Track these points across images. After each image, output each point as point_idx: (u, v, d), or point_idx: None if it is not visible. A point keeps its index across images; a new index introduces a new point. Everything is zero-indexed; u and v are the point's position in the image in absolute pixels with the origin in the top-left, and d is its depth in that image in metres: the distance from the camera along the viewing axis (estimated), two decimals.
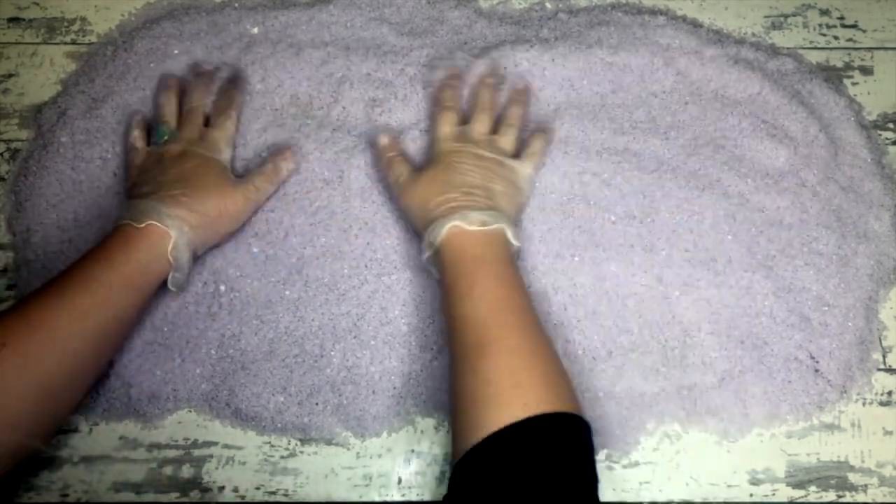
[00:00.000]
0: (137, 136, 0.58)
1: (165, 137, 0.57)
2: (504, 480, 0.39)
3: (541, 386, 0.43)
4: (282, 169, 0.58)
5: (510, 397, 0.42)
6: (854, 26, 0.68)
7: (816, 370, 0.54)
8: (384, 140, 0.58)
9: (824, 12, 0.68)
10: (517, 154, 0.57)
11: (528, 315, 0.48)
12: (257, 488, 0.51)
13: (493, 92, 0.60)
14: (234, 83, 0.61)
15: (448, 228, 0.50)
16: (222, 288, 0.55)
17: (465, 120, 0.59)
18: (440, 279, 0.50)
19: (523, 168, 0.56)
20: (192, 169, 0.54)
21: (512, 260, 0.51)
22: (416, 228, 0.55)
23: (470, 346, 0.46)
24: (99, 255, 0.49)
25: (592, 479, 0.41)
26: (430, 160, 0.56)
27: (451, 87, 0.60)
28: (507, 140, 0.58)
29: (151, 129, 0.59)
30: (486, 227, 0.50)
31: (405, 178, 0.55)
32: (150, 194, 0.52)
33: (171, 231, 0.50)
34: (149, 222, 0.50)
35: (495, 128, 0.58)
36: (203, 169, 0.55)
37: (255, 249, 0.57)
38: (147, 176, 0.54)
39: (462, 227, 0.50)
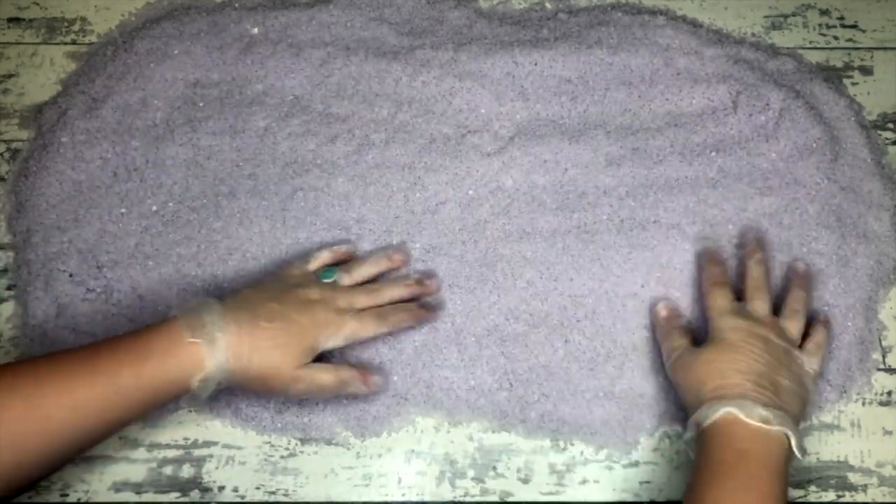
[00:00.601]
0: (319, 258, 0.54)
1: (332, 279, 0.52)
2: None
3: None
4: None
5: None
6: (854, 26, 0.68)
7: None
8: (663, 312, 0.54)
9: (824, 12, 0.68)
10: (801, 345, 0.52)
11: None
12: (257, 488, 0.51)
13: (766, 268, 0.54)
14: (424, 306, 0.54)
15: (722, 414, 0.45)
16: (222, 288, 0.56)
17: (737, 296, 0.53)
18: (695, 462, 0.46)
19: (810, 363, 0.50)
20: (297, 320, 0.48)
21: (781, 470, 0.44)
22: (684, 405, 0.50)
23: None
24: (127, 356, 0.43)
25: None
26: (710, 338, 0.50)
27: (720, 263, 0.55)
28: (794, 326, 0.51)
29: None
30: (765, 426, 0.44)
31: (683, 351, 0.50)
32: (235, 308, 0.46)
33: (206, 361, 0.44)
34: (197, 340, 0.44)
35: (775, 310, 0.53)
36: (308, 331, 0.48)
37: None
38: (261, 288, 0.49)
39: (738, 417, 0.44)
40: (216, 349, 0.44)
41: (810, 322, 0.53)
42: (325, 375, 0.48)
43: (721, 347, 0.49)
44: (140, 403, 0.44)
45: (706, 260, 0.55)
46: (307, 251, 0.55)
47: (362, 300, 0.52)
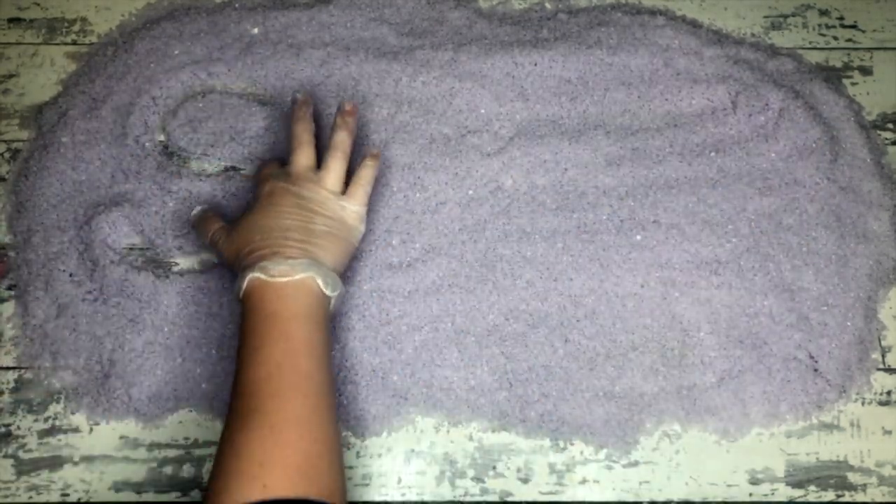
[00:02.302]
0: None
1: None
2: None
3: (290, 467, 0.40)
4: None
5: (252, 476, 0.40)
6: (853, 26, 0.68)
7: (815, 370, 0.54)
8: (196, 212, 0.56)
9: (824, 13, 0.68)
10: (345, 188, 0.53)
11: (310, 381, 0.44)
12: None
13: (311, 120, 0.55)
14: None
15: (248, 280, 0.46)
16: (223, 287, 0.56)
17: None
18: (239, 330, 0.47)
19: (351, 205, 0.52)
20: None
21: (314, 314, 0.47)
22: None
23: (236, 415, 0.43)
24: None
25: None
26: (247, 205, 0.52)
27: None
28: (333, 175, 0.52)
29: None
30: (288, 278, 0.46)
31: (218, 234, 0.52)
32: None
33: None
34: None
35: (319, 159, 0.54)
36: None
37: None
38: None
39: (262, 279, 0.46)
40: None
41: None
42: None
43: (253, 212, 0.51)
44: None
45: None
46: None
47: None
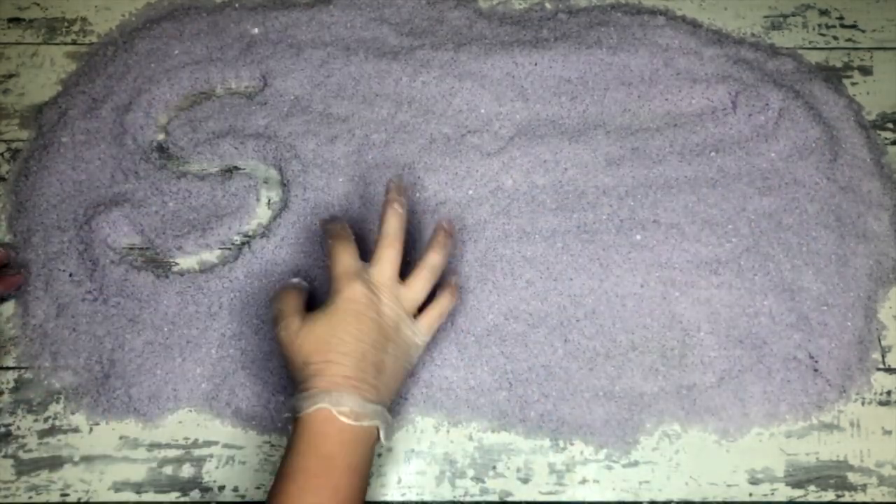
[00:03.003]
0: None
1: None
2: None
3: None
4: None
5: None
6: (853, 26, 0.68)
7: (815, 370, 0.54)
8: (284, 284, 0.51)
9: (824, 12, 0.68)
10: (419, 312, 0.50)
11: None
12: (257, 488, 0.51)
13: (405, 217, 0.50)
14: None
15: (316, 409, 0.43)
16: (222, 287, 0.56)
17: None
18: (285, 452, 0.44)
19: (418, 338, 0.49)
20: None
21: (365, 468, 0.45)
22: (289, 373, 0.48)
23: None
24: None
25: None
26: (327, 301, 0.47)
27: (337, 219, 0.52)
28: (415, 297, 0.49)
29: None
30: (357, 423, 0.44)
31: (291, 319, 0.47)
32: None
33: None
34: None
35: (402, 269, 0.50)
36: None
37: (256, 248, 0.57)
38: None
39: (331, 413, 0.43)
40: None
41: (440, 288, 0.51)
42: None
43: (332, 316, 0.46)
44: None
45: (322, 221, 0.52)
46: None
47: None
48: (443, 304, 0.50)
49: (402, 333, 0.48)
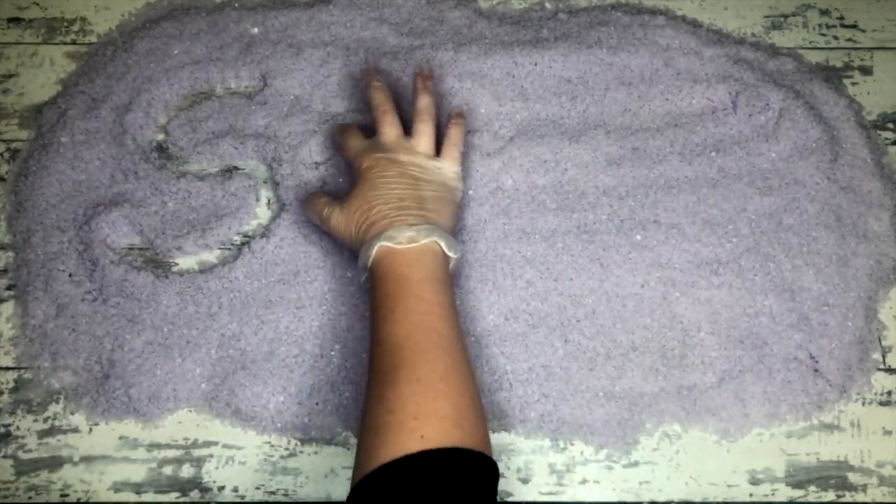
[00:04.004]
0: None
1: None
2: None
3: (444, 419, 0.41)
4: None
5: (409, 429, 0.40)
6: (854, 26, 0.68)
7: (816, 370, 0.54)
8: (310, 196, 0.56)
9: (824, 12, 0.68)
10: (437, 152, 0.55)
11: (448, 340, 0.45)
12: (257, 488, 0.51)
13: (386, 88, 0.57)
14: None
15: (376, 250, 0.48)
16: (222, 287, 0.56)
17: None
18: (370, 299, 0.49)
19: (447, 165, 0.54)
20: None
21: (442, 277, 0.49)
22: (352, 249, 0.53)
23: (381, 373, 0.44)
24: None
25: None
26: (352, 181, 0.54)
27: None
28: (422, 140, 0.54)
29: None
30: (415, 245, 0.48)
31: (329, 209, 0.53)
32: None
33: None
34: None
35: (406, 127, 0.55)
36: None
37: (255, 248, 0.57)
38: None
39: (389, 247, 0.48)
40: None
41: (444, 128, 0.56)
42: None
43: (360, 187, 0.52)
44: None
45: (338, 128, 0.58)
46: None
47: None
48: (453, 132, 0.56)
49: (430, 172, 0.53)
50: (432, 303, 0.47)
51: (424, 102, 0.56)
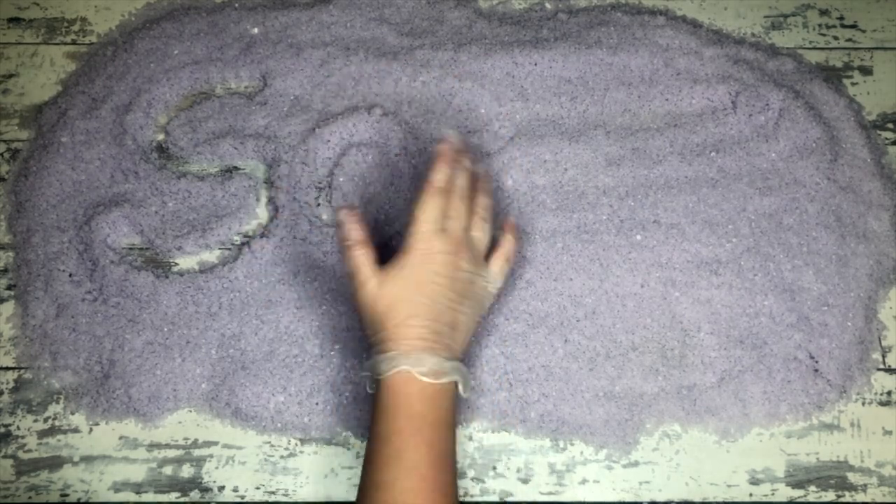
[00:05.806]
0: None
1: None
2: None
3: None
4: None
5: None
6: (854, 26, 0.68)
7: (816, 370, 0.54)
8: (343, 215, 0.49)
9: (824, 12, 0.68)
10: (487, 257, 0.51)
11: (450, 498, 0.44)
12: (257, 488, 0.51)
13: (467, 182, 0.50)
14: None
15: (396, 372, 0.45)
16: (222, 287, 0.56)
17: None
18: (373, 414, 0.46)
19: (493, 284, 0.50)
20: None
21: (452, 420, 0.46)
22: (364, 330, 0.49)
23: None
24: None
25: None
26: (402, 252, 0.47)
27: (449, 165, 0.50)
28: (482, 239, 0.50)
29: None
30: (438, 381, 0.45)
31: (366, 274, 0.47)
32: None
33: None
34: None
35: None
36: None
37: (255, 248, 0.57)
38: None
39: (412, 375, 0.45)
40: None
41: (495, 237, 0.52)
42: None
43: (408, 271, 0.47)
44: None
45: (436, 163, 0.49)
46: None
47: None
48: (507, 246, 0.52)
49: (477, 286, 0.49)
50: (441, 452, 0.45)
51: (485, 203, 0.51)
